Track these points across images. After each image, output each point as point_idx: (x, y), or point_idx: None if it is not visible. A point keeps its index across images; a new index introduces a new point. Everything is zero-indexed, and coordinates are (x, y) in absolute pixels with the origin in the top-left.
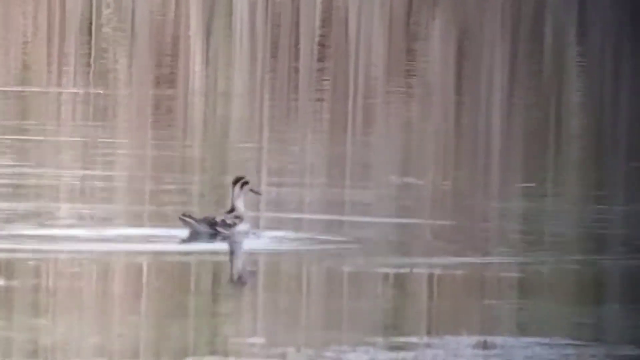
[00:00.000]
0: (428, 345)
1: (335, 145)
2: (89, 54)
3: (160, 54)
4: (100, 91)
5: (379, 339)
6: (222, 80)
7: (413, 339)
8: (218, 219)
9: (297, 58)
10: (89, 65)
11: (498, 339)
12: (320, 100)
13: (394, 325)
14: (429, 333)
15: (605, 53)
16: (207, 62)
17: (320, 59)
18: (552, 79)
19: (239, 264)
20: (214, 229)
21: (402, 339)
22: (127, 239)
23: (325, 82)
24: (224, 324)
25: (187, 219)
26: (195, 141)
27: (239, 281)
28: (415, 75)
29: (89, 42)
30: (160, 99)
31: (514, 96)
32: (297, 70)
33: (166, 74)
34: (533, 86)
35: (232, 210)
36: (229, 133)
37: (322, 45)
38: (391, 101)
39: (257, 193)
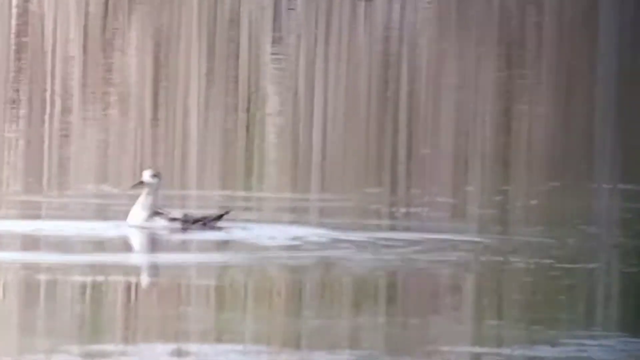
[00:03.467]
0: (123, 353)
1: (32, 156)
2: None
3: None
4: None
5: (74, 347)
6: None
7: (109, 347)
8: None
9: None
10: None
11: (193, 347)
12: (15, 110)
13: (90, 333)
14: (124, 341)
15: (300, 56)
16: None
17: (16, 70)
18: (248, 84)
19: None
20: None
21: (97, 347)
22: None
23: (21, 92)
24: None
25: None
26: None
27: None
28: (112, 87)
29: None
30: None
31: (210, 104)
32: None
33: None
34: (230, 93)
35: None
36: None
37: (17, 53)
38: (88, 115)
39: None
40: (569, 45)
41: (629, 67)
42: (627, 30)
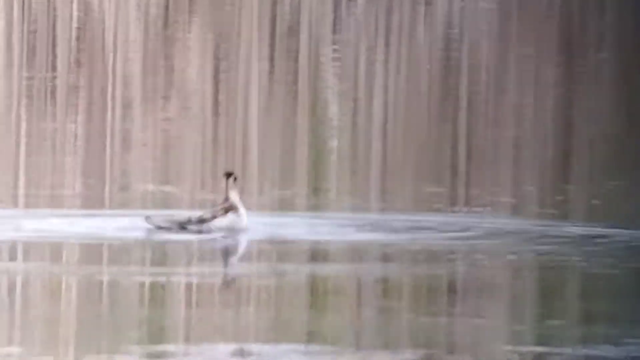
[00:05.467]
0: (186, 354)
1: (92, 155)
2: None
3: None
4: None
5: (136, 348)
6: None
7: (170, 348)
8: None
9: (54, 67)
10: None
11: (254, 347)
12: (76, 113)
13: (151, 334)
14: (186, 341)
15: (360, 52)
16: None
17: (77, 65)
18: (309, 79)
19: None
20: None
21: (159, 348)
22: None
23: (82, 90)
24: None
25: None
26: None
27: None
28: (173, 82)
29: None
30: None
31: (271, 100)
32: (54, 78)
33: None
34: (290, 87)
35: (226, 199)
36: None
37: (79, 51)
38: (148, 107)
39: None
40: (631, 43)
41: None
42: None
